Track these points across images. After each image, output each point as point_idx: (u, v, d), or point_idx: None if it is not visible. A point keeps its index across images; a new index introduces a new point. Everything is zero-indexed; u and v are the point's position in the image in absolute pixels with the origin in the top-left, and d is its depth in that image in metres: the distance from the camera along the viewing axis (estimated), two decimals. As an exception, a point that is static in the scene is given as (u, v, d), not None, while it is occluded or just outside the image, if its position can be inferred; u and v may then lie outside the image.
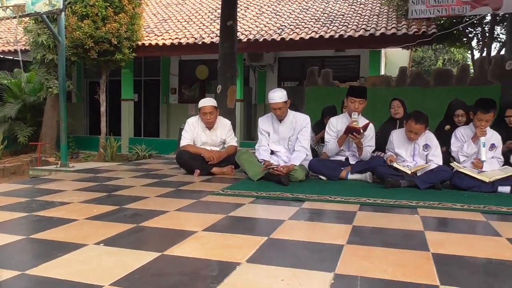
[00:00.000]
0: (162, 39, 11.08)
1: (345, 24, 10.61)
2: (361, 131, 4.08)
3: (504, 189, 3.72)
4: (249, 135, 12.22)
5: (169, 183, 4.03)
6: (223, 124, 4.72)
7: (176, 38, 11.00)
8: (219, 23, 7.36)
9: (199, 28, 11.69)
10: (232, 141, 4.73)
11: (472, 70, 8.81)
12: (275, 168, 3.96)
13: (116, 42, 9.49)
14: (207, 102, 4.60)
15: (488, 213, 2.91)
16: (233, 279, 1.69)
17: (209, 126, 4.62)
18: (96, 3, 9.29)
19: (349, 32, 9.83)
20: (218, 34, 7.84)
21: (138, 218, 2.64)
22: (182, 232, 2.32)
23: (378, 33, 9.51)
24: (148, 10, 13.63)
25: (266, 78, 12.51)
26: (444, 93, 7.14)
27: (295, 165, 4.06)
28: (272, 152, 4.38)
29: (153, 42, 10.89)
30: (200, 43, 10.58)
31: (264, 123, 4.40)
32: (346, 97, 4.38)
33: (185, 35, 11.14)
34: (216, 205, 3.05)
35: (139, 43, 10.72)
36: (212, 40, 10.50)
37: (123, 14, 9.63)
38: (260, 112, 12.33)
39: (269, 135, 4.37)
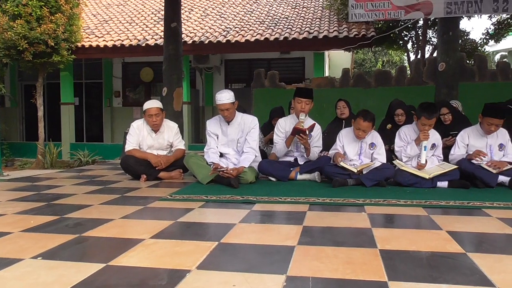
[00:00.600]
0: (104, 40, 10.69)
1: (289, 26, 10.76)
2: (307, 132, 4.15)
3: (442, 184, 3.90)
4: (197, 137, 12.09)
5: (114, 189, 3.87)
6: (170, 127, 4.62)
7: (119, 40, 10.66)
8: (163, 25, 7.21)
9: (142, 30, 11.42)
10: (180, 144, 4.64)
11: (409, 71, 9.21)
12: (224, 171, 3.92)
13: (53, 44, 9.00)
14: (153, 104, 4.48)
15: (429, 207, 3.04)
16: (183, 287, 1.63)
17: (155, 128, 4.50)
18: (29, 3, 8.78)
19: (293, 34, 9.98)
20: (162, 36, 7.67)
21: (80, 228, 2.50)
22: (128, 241, 2.22)
23: (321, 36, 9.73)
24: (87, 11, 13.12)
25: (213, 80, 12.45)
26: (384, 93, 7.46)
27: (245, 167, 4.05)
28: (221, 155, 4.36)
29: (94, 44, 10.47)
30: (143, 45, 10.32)
31: (212, 125, 4.36)
32: (293, 98, 4.44)
33: (128, 36, 10.82)
34: (164, 211, 2.97)
35: (79, 44, 10.27)
36: (156, 42, 10.27)
37: (59, 14, 9.17)
38: (208, 115, 12.25)
39: (217, 138, 4.34)
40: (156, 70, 12.10)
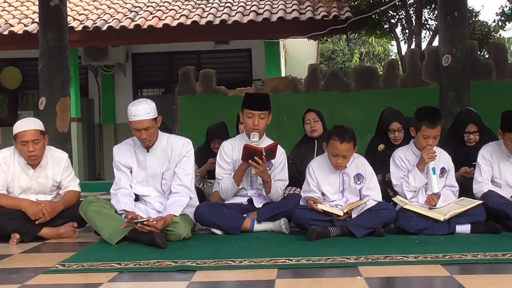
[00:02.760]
0: None
1: (228, 5, 10.90)
2: (264, 153, 4.19)
3: (463, 228, 4.02)
4: (93, 173, 11.86)
5: (-32, 260, 3.66)
6: (57, 159, 4.49)
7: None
8: (38, 3, 7.07)
9: (3, 11, 11.15)
10: (73, 184, 4.53)
11: (401, 68, 9.58)
12: (144, 223, 3.83)
13: None
14: (28, 125, 4.32)
15: (450, 264, 3.11)
16: None
17: (33, 162, 4.35)
18: None
19: (234, 16, 10.11)
20: (37, 20, 7.50)
21: None
22: None
23: (274, 18, 9.92)
24: None
25: (115, 85, 12.36)
26: (369, 99, 7.74)
27: (175, 216, 3.99)
28: (138, 198, 4.32)
29: None
30: (5, 32, 10.03)
31: (123, 153, 4.30)
32: (241, 109, 4.48)
33: (-20, 20, 10.50)
34: (54, 290, 2.84)
35: None
36: (27, 28, 10.03)
37: None
38: (108, 137, 12.02)
39: (131, 172, 4.30)
40: (26, 71, 11.81)
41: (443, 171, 4.30)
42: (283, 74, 12.02)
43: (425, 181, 4.20)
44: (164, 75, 12.30)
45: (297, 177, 5.09)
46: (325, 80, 7.87)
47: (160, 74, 12.40)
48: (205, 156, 5.73)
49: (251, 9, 10.40)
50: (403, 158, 4.33)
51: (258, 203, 4.43)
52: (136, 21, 10.25)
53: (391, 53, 24.85)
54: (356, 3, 11.31)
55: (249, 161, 4.21)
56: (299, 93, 7.82)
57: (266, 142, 4.45)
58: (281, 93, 7.76)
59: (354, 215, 4.05)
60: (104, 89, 12.29)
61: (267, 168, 4.33)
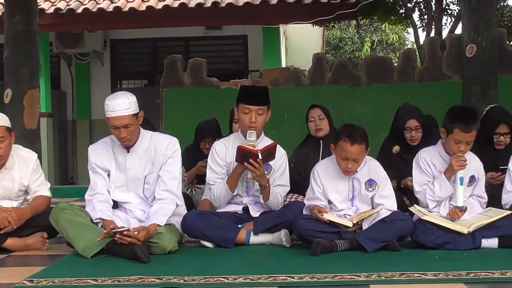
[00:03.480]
0: None
1: (221, -15, 10.89)
2: (260, 156, 4.20)
3: (490, 242, 4.01)
4: (65, 176, 11.90)
5: None
6: (25, 160, 4.49)
7: None
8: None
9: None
10: (42, 188, 4.53)
11: (420, 59, 9.60)
12: (124, 233, 3.82)
13: None
14: (-11, 120, 4.33)
15: (475, 283, 3.10)
16: None
17: (-3, 163, 4.36)
18: None
19: (228, -3, 10.09)
20: (2, 1, 7.48)
21: None
22: None
23: (274, 0, 9.90)
24: None
25: (91, 76, 12.41)
26: (382, 94, 7.76)
27: (160, 225, 3.99)
28: (116, 205, 4.34)
29: None
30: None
31: (99, 154, 4.31)
32: (236, 104, 4.50)
33: None
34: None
35: None
36: (-10, 9, 10.00)
37: None
38: (82, 135, 12.03)
39: (109, 176, 4.32)
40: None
41: (472, 179, 4.29)
42: (283, 65, 12.02)
43: (452, 191, 4.19)
44: (147, 64, 12.34)
45: (299, 182, 5.11)
46: (332, 71, 7.90)
47: (142, 64, 12.44)
48: (194, 158, 5.73)
49: (247, -10, 10.37)
50: (428, 161, 4.33)
51: (255, 212, 4.46)
52: (115, 2, 10.25)
53: (407, 42, 24.86)
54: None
55: (245, 163, 4.25)
56: (302, 87, 7.85)
57: (265, 142, 4.47)
58: (281, 86, 7.80)
59: (365, 227, 4.05)
60: (78, 81, 12.33)
61: (265, 172, 4.35)
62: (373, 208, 4.21)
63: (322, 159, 4.96)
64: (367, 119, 7.23)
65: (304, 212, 4.26)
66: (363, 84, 7.85)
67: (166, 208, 4.14)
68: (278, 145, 4.48)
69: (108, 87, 11.98)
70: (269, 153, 4.31)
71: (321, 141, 5.35)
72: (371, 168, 4.27)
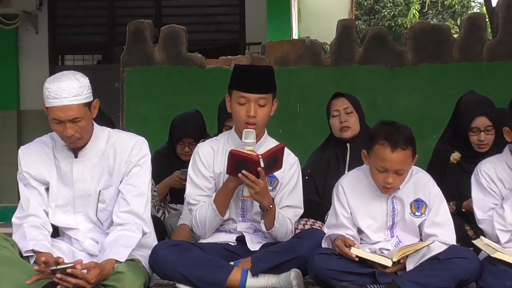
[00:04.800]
0: None
1: None
2: (261, 164, 4.14)
3: None
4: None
5: None
6: None
7: None
8: None
9: None
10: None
11: (490, 29, 9.56)
12: (67, 271, 3.79)
13: None
14: None
15: None
16: None
17: None
18: None
19: None
20: None
21: None
22: None
23: None
24: None
25: (20, 47, 12.49)
26: (436, 78, 7.73)
27: (118, 262, 3.98)
28: (58, 232, 4.36)
29: None
30: None
31: (34, 160, 4.30)
32: (229, 91, 4.51)
33: None
34: None
35: None
36: None
37: None
38: (7, 133, 12.06)
39: (47, 190, 4.31)
40: None
41: None
42: (295, 36, 12.00)
43: None
44: (101, 33, 12.41)
45: (317, 202, 5.15)
46: (365, 46, 7.82)
47: (94, 32, 12.48)
48: (167, 166, 5.81)
49: None
50: (493, 176, 4.32)
51: (253, 244, 4.43)
52: None
53: (472, 4, 24.84)
54: None
55: (239, 175, 4.21)
56: (321, 67, 7.74)
57: (268, 145, 4.47)
58: (292, 66, 7.70)
59: (410, 267, 4.02)
60: (1, 54, 12.34)
61: (269, 188, 4.34)
62: (421, 240, 4.21)
63: (349, 169, 5.00)
64: (414, 113, 7.19)
65: (323, 244, 4.24)
66: (409, 63, 7.74)
67: (129, 237, 4.12)
68: (286, 149, 4.43)
69: (45, 64, 11.98)
70: (273, 159, 4.27)
71: (348, 145, 5.38)
72: (419, 183, 4.27)
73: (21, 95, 12.12)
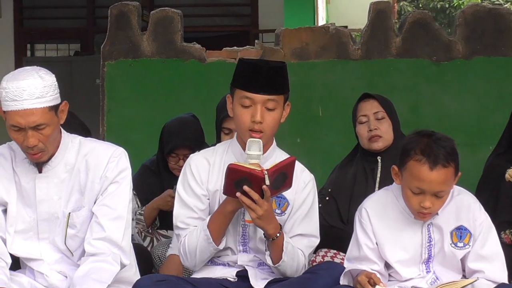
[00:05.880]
0: None
1: None
2: (267, 180, 4.12)
3: None
4: None
5: None
6: None
7: None
8: None
9: None
10: None
11: None
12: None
13: None
14: None
15: None
16: None
17: None
18: None
19: None
20: None
21: None
22: None
23: None
24: None
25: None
26: (494, 75, 7.67)
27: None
28: (19, 264, 4.40)
29: None
30: None
31: None
32: (231, 90, 4.55)
33: None
34: None
35: None
36: None
37: None
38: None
39: (5, 212, 4.35)
40: None
41: None
42: (321, 22, 11.98)
43: None
44: (79, 16, 12.43)
45: (340, 229, 5.19)
46: (404, 34, 7.81)
47: (71, 15, 12.55)
48: (156, 183, 5.85)
49: None
50: None
51: (257, 281, 4.40)
52: None
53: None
54: None
55: (237, 194, 4.19)
56: (349, 61, 7.69)
57: (277, 158, 4.50)
58: (313, 59, 7.64)
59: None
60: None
61: (277, 211, 4.42)
62: (464, 277, 4.23)
63: (380, 189, 4.98)
64: (465, 119, 7.18)
65: (342, 281, 4.23)
66: (459, 56, 7.72)
67: (104, 270, 4.14)
68: (300, 164, 4.49)
69: (9, 55, 12.02)
70: (282, 176, 4.23)
71: (378, 158, 5.42)
72: (462, 207, 4.29)
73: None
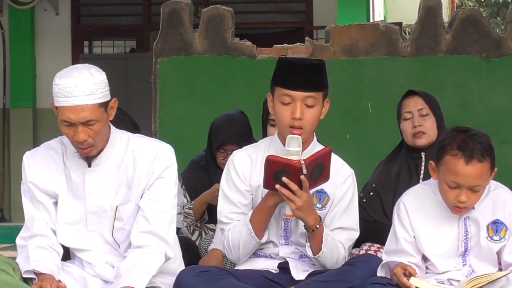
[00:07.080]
0: None
1: None
2: (304, 170, 4.19)
3: None
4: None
5: None
6: None
7: None
8: None
9: None
10: None
11: None
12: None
13: None
14: None
15: None
16: None
17: None
18: None
19: None
20: None
21: None
22: None
23: None
24: None
25: (37, 32, 12.65)
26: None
27: (134, 291, 4.11)
28: (68, 255, 4.48)
29: None
30: None
31: (40, 168, 4.45)
32: (271, 89, 4.64)
33: None
34: None
35: None
36: None
37: None
38: (22, 135, 12.24)
39: (56, 204, 4.44)
40: None
41: None
42: (379, 18, 11.86)
43: None
44: (135, 14, 12.67)
45: (384, 224, 5.17)
46: (454, 31, 7.79)
47: (127, 13, 12.77)
48: (205, 178, 5.88)
49: None
50: None
51: (298, 272, 4.46)
52: None
53: None
54: None
55: (277, 186, 4.25)
56: (399, 57, 7.71)
57: (314, 147, 4.64)
58: (362, 56, 7.63)
59: (485, 300, 4.09)
60: (13, 40, 12.58)
61: (318, 205, 4.51)
62: (500, 270, 4.25)
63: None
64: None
65: (380, 273, 4.28)
66: (509, 53, 7.69)
67: (149, 261, 4.21)
68: (340, 159, 4.57)
69: (66, 52, 12.21)
70: (318, 167, 4.30)
71: (422, 154, 5.46)
72: (498, 201, 4.33)
73: (38, 90, 12.26)
